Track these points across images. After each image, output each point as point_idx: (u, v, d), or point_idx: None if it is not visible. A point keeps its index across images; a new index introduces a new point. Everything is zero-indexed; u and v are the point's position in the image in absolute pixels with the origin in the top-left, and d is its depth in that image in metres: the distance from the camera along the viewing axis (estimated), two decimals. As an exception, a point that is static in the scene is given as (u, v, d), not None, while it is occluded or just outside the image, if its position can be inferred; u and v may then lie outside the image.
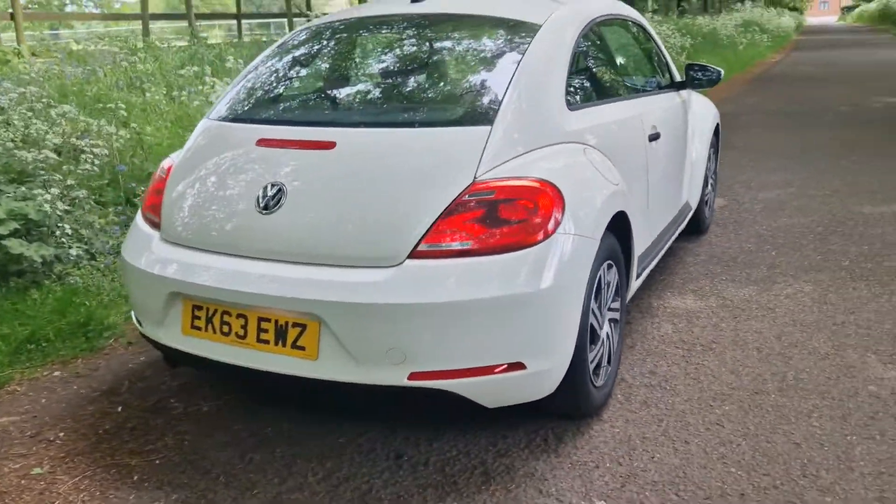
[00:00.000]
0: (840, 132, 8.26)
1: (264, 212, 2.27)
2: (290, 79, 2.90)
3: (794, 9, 45.90)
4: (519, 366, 2.14)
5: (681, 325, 3.35)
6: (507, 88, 2.39)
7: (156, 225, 2.55)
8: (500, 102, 2.35)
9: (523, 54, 2.52)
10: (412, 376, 2.10)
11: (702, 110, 4.45)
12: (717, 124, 4.70)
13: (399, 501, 2.17)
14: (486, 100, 2.40)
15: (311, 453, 2.44)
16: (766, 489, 2.17)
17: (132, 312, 2.70)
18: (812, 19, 50.71)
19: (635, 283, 2.99)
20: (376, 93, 2.73)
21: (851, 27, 45.30)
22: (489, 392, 2.17)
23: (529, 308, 2.10)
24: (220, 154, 2.51)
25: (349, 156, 2.29)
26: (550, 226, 2.15)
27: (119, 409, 2.77)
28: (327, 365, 2.14)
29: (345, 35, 3.03)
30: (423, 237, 2.11)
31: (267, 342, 2.21)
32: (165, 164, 2.71)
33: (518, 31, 2.66)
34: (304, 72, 2.96)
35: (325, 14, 3.39)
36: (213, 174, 2.47)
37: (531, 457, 2.37)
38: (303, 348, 2.16)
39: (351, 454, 2.43)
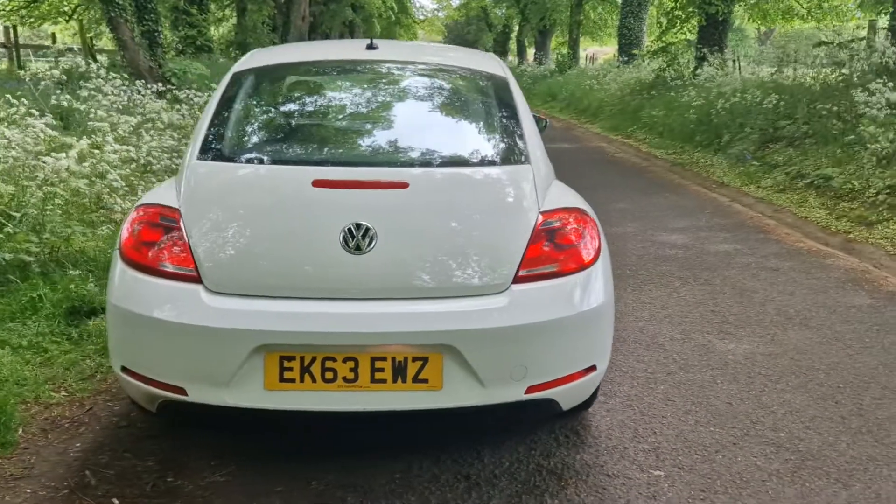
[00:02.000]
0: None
1: (356, 252, 2.24)
2: (302, 119, 2.78)
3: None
4: (593, 368, 2.48)
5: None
6: (523, 131, 2.72)
7: (187, 277, 2.27)
8: (525, 144, 2.67)
9: (514, 102, 2.86)
10: (529, 390, 2.30)
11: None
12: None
13: (511, 511, 2.34)
14: (513, 141, 2.70)
15: (380, 494, 2.43)
16: (743, 437, 2.85)
17: (146, 387, 2.31)
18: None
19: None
20: (413, 135, 2.78)
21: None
22: (573, 395, 2.47)
23: (602, 317, 2.47)
24: (262, 196, 2.36)
25: (424, 194, 2.39)
26: (597, 246, 2.55)
27: (116, 501, 2.35)
28: (453, 393, 2.22)
29: (325, 78, 3.00)
30: (520, 263, 2.34)
31: (383, 381, 2.19)
32: (159, 210, 2.40)
33: (492, 80, 2.99)
34: (311, 112, 2.85)
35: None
36: (262, 218, 2.32)
37: (573, 451, 2.71)
38: (426, 381, 2.21)
39: (422, 485, 2.47)
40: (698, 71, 14.60)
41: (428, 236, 2.32)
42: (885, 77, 9.09)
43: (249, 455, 2.63)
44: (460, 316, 2.22)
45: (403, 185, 2.36)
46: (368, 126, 2.76)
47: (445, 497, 2.41)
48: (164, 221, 2.38)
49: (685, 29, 18.72)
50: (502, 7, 37.88)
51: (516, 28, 38.29)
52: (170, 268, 2.30)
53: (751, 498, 2.44)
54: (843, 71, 9.99)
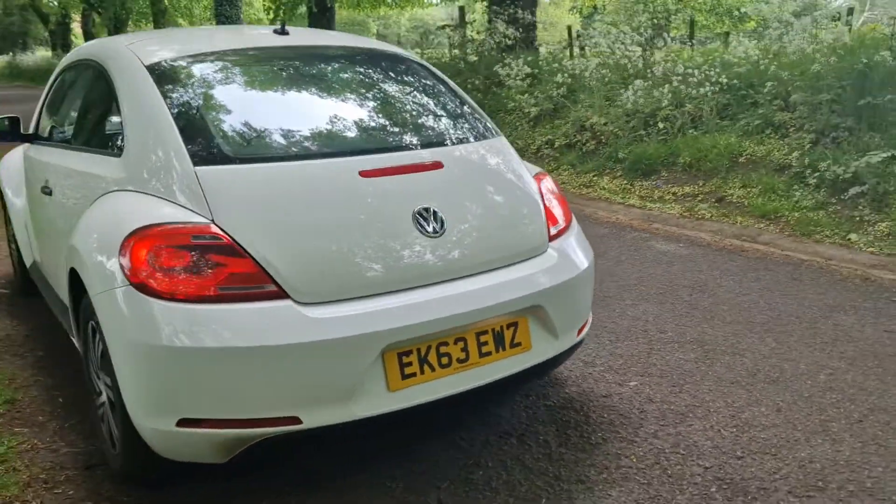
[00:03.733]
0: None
1: (434, 235, 2.22)
2: (291, 111, 2.44)
3: None
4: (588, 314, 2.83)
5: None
6: (471, 107, 2.88)
7: (268, 295, 1.98)
8: (483, 118, 2.84)
9: (446, 82, 2.98)
10: (578, 332, 2.57)
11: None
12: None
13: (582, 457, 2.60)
14: (478, 116, 2.81)
15: (452, 471, 2.46)
16: (652, 342, 3.48)
17: (231, 431, 1.95)
18: None
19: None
20: (410, 117, 2.68)
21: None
22: (586, 333, 2.78)
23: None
24: (314, 194, 2.15)
25: (457, 172, 2.43)
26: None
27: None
28: (539, 350, 2.37)
29: (267, 66, 2.63)
30: (546, 224, 2.56)
31: (490, 353, 2.24)
32: (188, 230, 2.02)
33: (412, 62, 3.03)
34: (293, 103, 2.50)
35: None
36: (324, 216, 2.12)
37: (559, 389, 3.03)
38: (519, 344, 2.31)
39: (483, 452, 2.56)
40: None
41: (476, 210, 2.40)
42: (504, 54, 10.82)
43: (256, 483, 2.38)
44: (539, 277, 2.37)
45: (439, 166, 2.39)
46: (365, 112, 2.61)
47: (516, 453, 2.54)
48: (199, 240, 2.02)
49: (289, 14, 19.28)
50: (54, -6, 33.68)
51: (79, 18, 34.44)
52: (239, 290, 1.98)
53: (704, 380, 3.07)
54: (467, 50, 11.53)
